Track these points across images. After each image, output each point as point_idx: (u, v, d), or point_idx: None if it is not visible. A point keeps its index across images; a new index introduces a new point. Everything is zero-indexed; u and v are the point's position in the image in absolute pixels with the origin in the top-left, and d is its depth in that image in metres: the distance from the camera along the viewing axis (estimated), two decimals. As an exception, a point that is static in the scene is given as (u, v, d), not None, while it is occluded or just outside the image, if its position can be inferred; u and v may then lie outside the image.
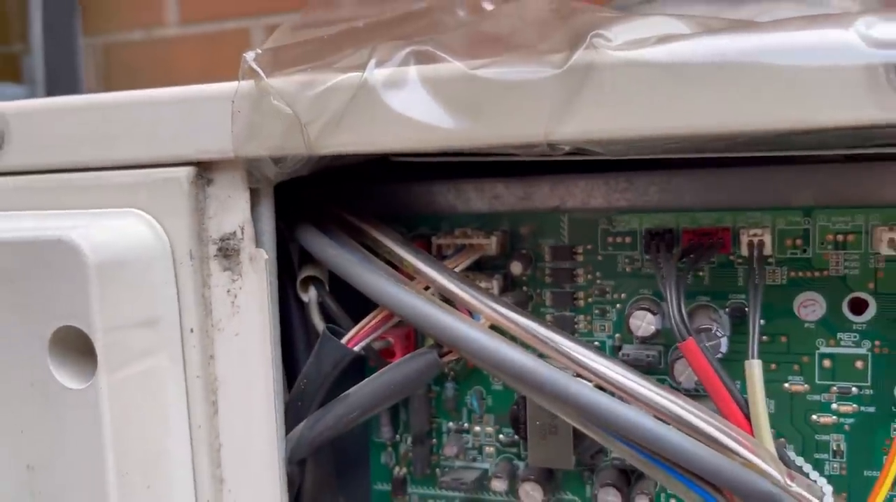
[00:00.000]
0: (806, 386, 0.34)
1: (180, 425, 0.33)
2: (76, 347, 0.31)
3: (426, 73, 0.29)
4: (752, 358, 0.30)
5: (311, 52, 0.31)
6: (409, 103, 0.29)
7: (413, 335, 0.39)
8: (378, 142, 0.30)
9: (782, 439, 0.35)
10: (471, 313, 0.34)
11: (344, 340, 0.35)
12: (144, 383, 0.32)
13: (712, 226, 0.35)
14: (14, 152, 0.35)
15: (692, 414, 0.30)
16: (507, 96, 0.28)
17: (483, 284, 0.37)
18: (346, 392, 0.34)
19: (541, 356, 0.32)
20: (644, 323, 0.35)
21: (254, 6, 1.07)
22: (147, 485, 0.32)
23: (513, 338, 0.32)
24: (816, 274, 0.34)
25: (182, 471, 0.34)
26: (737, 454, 0.29)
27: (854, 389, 0.34)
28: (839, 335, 0.34)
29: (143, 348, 0.32)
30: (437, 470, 0.41)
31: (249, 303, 0.33)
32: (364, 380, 0.34)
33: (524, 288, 0.38)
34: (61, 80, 1.23)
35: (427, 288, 0.35)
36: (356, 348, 0.35)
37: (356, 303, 0.36)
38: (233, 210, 0.33)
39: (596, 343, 0.38)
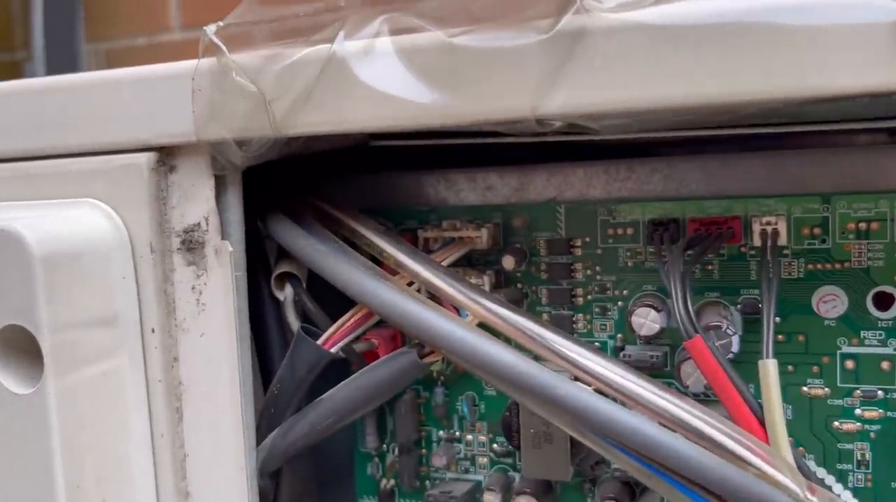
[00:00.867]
0: (826, 389, 0.31)
1: (141, 434, 0.31)
2: (23, 348, 0.28)
3: (401, 44, 0.26)
4: (767, 357, 0.28)
5: (277, 25, 0.28)
6: (382, 77, 0.26)
7: (400, 336, 0.36)
8: (349, 121, 0.27)
9: (801, 448, 0.32)
10: (458, 310, 0.31)
11: (320, 341, 0.32)
12: (100, 388, 0.29)
13: (721, 215, 0.32)
14: (-37, 140, 0.33)
15: (700, 420, 0.27)
16: (489, 66, 0.25)
17: (473, 280, 0.34)
18: (320, 397, 0.31)
19: (535, 357, 0.29)
20: (648, 321, 0.32)
21: (255, 8, 1.05)
22: (102, 499, 0.29)
23: (505, 338, 0.29)
24: (837, 266, 0.31)
25: (143, 484, 0.31)
26: (750, 464, 0.26)
27: (880, 393, 0.31)
28: (863, 333, 0.31)
29: (98, 349, 0.29)
30: (427, 481, 0.38)
31: (215, 300, 0.31)
32: (339, 385, 0.31)
33: (518, 284, 0.36)
34: (61, 86, 1.21)
35: (411, 283, 0.32)
36: (333, 349, 0.32)
37: (338, 302, 0.33)
38: (197, 199, 0.30)
39: (596, 344, 0.35)
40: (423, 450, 0.38)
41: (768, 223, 0.31)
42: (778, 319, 0.31)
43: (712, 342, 0.29)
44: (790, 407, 0.32)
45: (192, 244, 0.31)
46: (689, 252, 0.31)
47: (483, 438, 0.37)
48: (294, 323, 0.34)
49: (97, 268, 0.30)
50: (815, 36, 0.23)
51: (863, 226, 0.31)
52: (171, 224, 0.31)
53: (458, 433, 0.37)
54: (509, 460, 0.37)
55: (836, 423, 0.32)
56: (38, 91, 0.32)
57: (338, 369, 0.35)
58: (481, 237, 0.35)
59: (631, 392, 0.28)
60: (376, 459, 0.39)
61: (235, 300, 0.30)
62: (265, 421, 0.32)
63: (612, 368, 0.29)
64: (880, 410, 0.31)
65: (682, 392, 0.33)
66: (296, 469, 0.34)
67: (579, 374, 0.29)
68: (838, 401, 0.32)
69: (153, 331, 0.31)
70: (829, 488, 0.30)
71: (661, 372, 0.33)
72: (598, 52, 0.24)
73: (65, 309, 0.28)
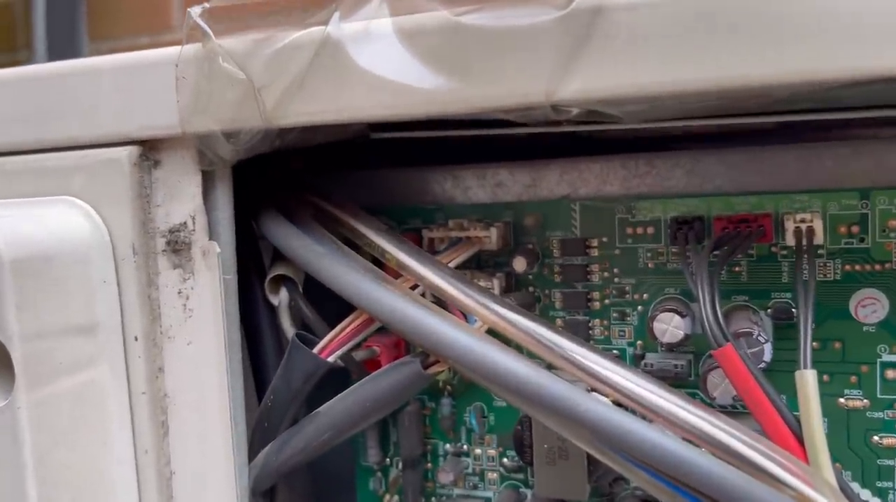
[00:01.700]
0: (865, 401, 0.29)
1: (124, 449, 0.29)
2: (-7, 358, 0.26)
3: (402, 24, 0.24)
4: (805, 367, 0.25)
5: (266, 6, 0.26)
6: (381, 61, 0.24)
7: (403, 343, 0.34)
8: (346, 109, 0.25)
9: (837, 464, 0.30)
10: (465, 316, 0.29)
11: (316, 349, 0.30)
12: (77, 401, 0.27)
13: (750, 212, 0.30)
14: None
15: (730, 436, 0.25)
16: (499, 48, 0.23)
17: (482, 283, 0.32)
18: (317, 410, 0.29)
19: (548, 366, 0.26)
20: (671, 327, 0.30)
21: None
22: (80, 522, 0.27)
23: (516, 346, 0.27)
24: (877, 267, 0.29)
25: (126, 504, 0.29)
26: (786, 485, 0.24)
27: (924, 405, 0.28)
28: (905, 340, 0.28)
29: (75, 359, 0.27)
30: (432, 498, 0.36)
31: (203, 305, 0.28)
32: (336, 397, 0.29)
33: (530, 287, 0.33)
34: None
35: (415, 287, 0.30)
36: (331, 358, 0.30)
37: (337, 307, 0.31)
38: (183, 196, 0.28)
39: (614, 351, 0.32)
40: (429, 465, 0.36)
41: (803, 221, 0.28)
42: (812, 325, 0.29)
43: (743, 351, 0.27)
44: (826, 420, 0.30)
45: (177, 245, 0.28)
46: (716, 252, 0.29)
47: (492, 452, 0.35)
48: (289, 330, 0.31)
49: (74, 271, 0.27)
50: (861, 12, 0.20)
51: (905, 223, 0.28)
52: (156, 223, 0.29)
53: (465, 446, 0.35)
54: (520, 476, 0.34)
55: (876, 438, 0.29)
56: (11, 81, 0.29)
57: (336, 379, 0.32)
58: (490, 237, 0.32)
59: (653, 404, 0.26)
60: (379, 474, 0.37)
61: (224, 305, 0.28)
62: (258, 436, 0.30)
63: (632, 378, 0.26)
64: (925, 424, 0.29)
65: (709, 404, 0.30)
66: (292, 485, 0.32)
67: (597, 385, 0.27)
68: (878, 414, 0.29)
69: (136, 339, 0.28)
70: (870, 509, 0.27)
71: (685, 382, 0.31)
72: (619, 31, 0.22)
73: (38, 316, 0.26)
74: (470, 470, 0.35)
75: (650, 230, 0.31)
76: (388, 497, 0.37)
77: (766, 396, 0.25)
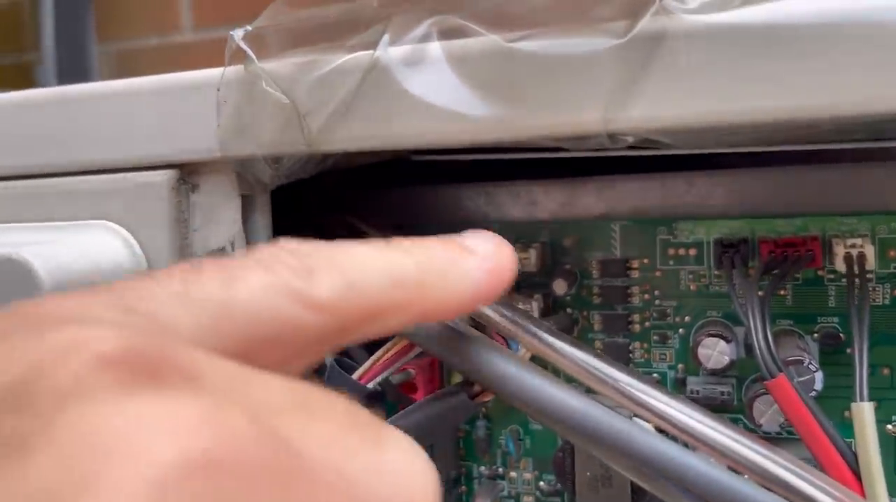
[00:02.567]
0: (915, 428, 0.28)
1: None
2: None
3: (452, 50, 0.24)
4: (862, 399, 0.25)
5: (311, 28, 0.25)
6: (431, 87, 0.24)
7: (437, 364, 0.34)
8: (394, 137, 0.25)
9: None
10: (507, 341, 0.28)
11: (356, 375, 0.29)
12: (116, 430, 0.27)
13: (796, 235, 0.29)
14: (-33, 156, 0.30)
15: (780, 466, 0.24)
16: (555, 76, 0.22)
17: (520, 306, 0.31)
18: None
19: (587, 390, 0.26)
20: (716, 352, 0.29)
21: (269, 9, 1.03)
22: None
23: (554, 369, 0.26)
24: (928, 292, 0.28)
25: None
26: (842, 519, 0.23)
27: (976, 433, 0.28)
28: (957, 367, 0.28)
29: (113, 388, 0.27)
30: (467, 522, 0.35)
31: (242, 331, 0.28)
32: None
33: (568, 309, 0.33)
34: (74, 89, 1.19)
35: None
36: (370, 385, 0.29)
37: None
38: (221, 221, 0.28)
39: (655, 375, 0.32)
40: (464, 488, 0.35)
41: (853, 245, 0.28)
42: (868, 354, 0.28)
43: (794, 380, 0.26)
44: (874, 447, 0.29)
45: (216, 270, 0.28)
46: (765, 277, 0.28)
47: (528, 476, 0.34)
48: (326, 355, 0.31)
49: (112, 297, 0.27)
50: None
51: (958, 248, 0.28)
52: (193, 248, 0.28)
53: (501, 469, 0.35)
54: (557, 499, 0.34)
55: (926, 466, 0.29)
56: (48, 102, 0.29)
57: (371, 401, 0.32)
58: (529, 258, 0.32)
59: (699, 433, 0.25)
60: (412, 496, 0.36)
61: (264, 332, 0.28)
62: (295, 462, 0.29)
63: (678, 407, 0.26)
64: (978, 453, 0.28)
65: (755, 431, 0.30)
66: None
67: (640, 412, 0.26)
68: (929, 442, 0.29)
69: (174, 365, 0.28)
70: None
71: (729, 407, 0.30)
72: (680, 59, 0.22)
73: (77, 344, 0.25)
74: (506, 494, 0.35)
75: (692, 251, 0.31)
76: (421, 519, 0.36)
77: (821, 428, 0.25)
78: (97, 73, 1.22)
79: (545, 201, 0.33)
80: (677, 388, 0.31)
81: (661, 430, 0.26)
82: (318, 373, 0.31)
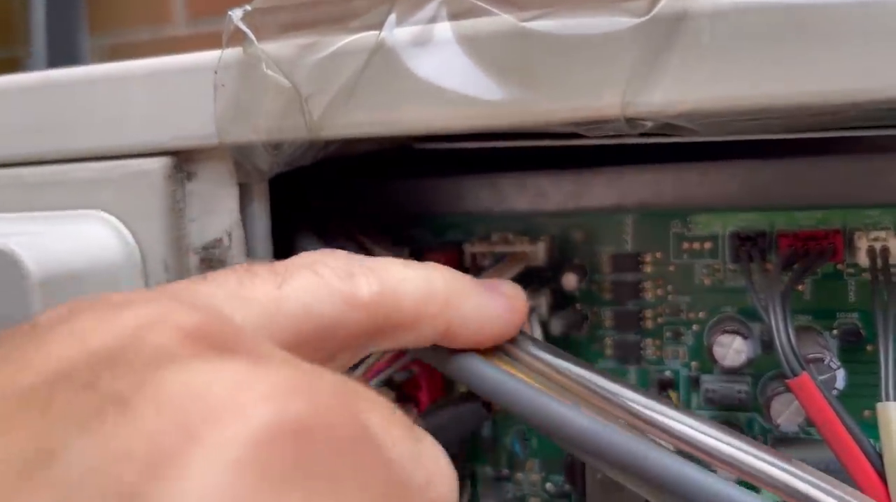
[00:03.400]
0: (938, 427, 0.27)
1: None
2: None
3: (463, 30, 0.22)
4: (888, 398, 0.23)
5: (314, 8, 0.24)
6: (440, 69, 0.22)
7: (442, 362, 0.32)
8: (400, 123, 0.23)
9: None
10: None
11: (358, 373, 0.28)
12: (107, 429, 0.25)
13: (817, 228, 0.28)
14: (-47, 143, 0.29)
15: (801, 480, 0.23)
16: (571, 57, 0.21)
17: (529, 301, 0.30)
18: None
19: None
20: (731, 350, 0.28)
21: (264, 0, 1.01)
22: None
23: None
24: (953, 287, 0.27)
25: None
26: (868, 525, 0.22)
27: None
28: (983, 365, 0.27)
29: (104, 385, 0.25)
30: (472, 524, 0.34)
31: (240, 327, 0.26)
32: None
33: (578, 305, 0.32)
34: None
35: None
36: (373, 382, 0.28)
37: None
38: (218, 211, 0.27)
39: (667, 372, 0.31)
40: (469, 490, 0.34)
41: (876, 239, 0.27)
42: (893, 354, 0.27)
43: (816, 379, 0.25)
44: (896, 448, 0.28)
45: (212, 262, 0.27)
46: (785, 272, 0.27)
47: (535, 477, 0.33)
48: (327, 350, 0.30)
49: (104, 290, 0.25)
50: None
51: (985, 241, 0.27)
52: (189, 239, 0.27)
53: (506, 471, 0.33)
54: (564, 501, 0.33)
55: (949, 466, 0.28)
56: (37, 87, 0.28)
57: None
58: (537, 252, 0.31)
59: (714, 449, 0.24)
60: (414, 497, 0.35)
61: (263, 327, 0.26)
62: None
63: (690, 422, 0.24)
64: None
65: (771, 431, 0.29)
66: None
67: (656, 434, 0.25)
68: (952, 443, 0.28)
69: (168, 362, 0.27)
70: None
71: (746, 406, 0.29)
72: (704, 39, 0.20)
73: (66, 339, 0.24)
74: (511, 496, 0.33)
75: (707, 245, 0.30)
76: (424, 522, 0.35)
77: (846, 429, 0.24)
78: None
79: (553, 192, 0.32)
80: (691, 386, 0.30)
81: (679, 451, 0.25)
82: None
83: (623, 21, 0.21)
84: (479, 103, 0.22)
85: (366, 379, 0.28)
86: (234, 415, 0.12)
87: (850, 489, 0.23)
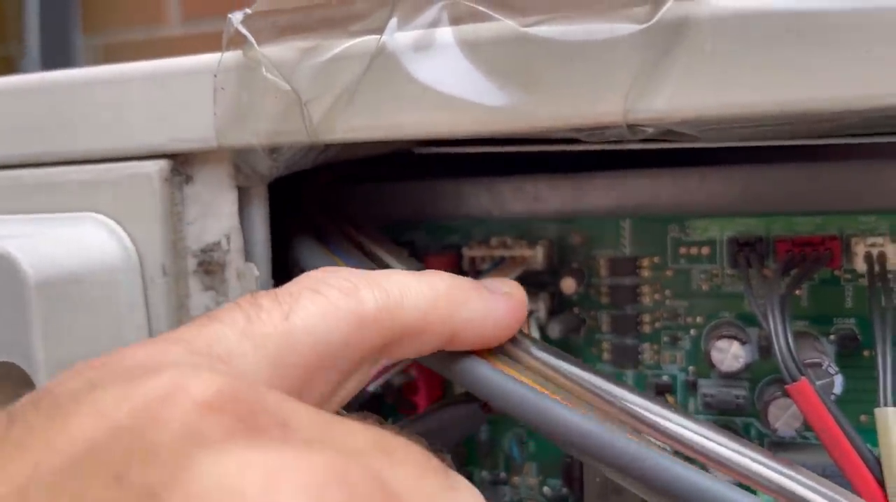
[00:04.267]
0: (934, 433, 0.27)
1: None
2: (15, 388, 0.24)
3: (464, 35, 0.22)
4: (886, 404, 0.24)
5: (314, 12, 0.24)
6: (441, 74, 0.22)
7: (439, 366, 0.32)
8: (401, 127, 0.23)
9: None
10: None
11: (356, 377, 0.28)
12: (104, 433, 0.25)
13: (814, 234, 0.28)
14: (-51, 144, 0.29)
15: (804, 487, 0.23)
16: (572, 63, 0.21)
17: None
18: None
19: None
20: (729, 355, 0.28)
21: (259, 1, 1.01)
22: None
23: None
24: (949, 293, 0.27)
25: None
26: (866, 530, 0.22)
27: None
28: (979, 370, 0.27)
29: (102, 389, 0.25)
30: (468, 528, 0.34)
31: (238, 330, 0.26)
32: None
33: (576, 309, 0.32)
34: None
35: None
36: (371, 387, 0.28)
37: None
38: (216, 214, 0.26)
39: (665, 376, 0.31)
40: (465, 493, 0.34)
41: (873, 245, 0.27)
42: (890, 359, 0.27)
43: (815, 384, 0.25)
44: None
45: (210, 266, 0.27)
46: (784, 277, 0.27)
47: (532, 481, 0.33)
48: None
49: (101, 294, 0.25)
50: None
51: (981, 247, 0.27)
52: (187, 243, 0.27)
53: (503, 474, 0.33)
54: (562, 505, 0.33)
55: (946, 472, 0.28)
56: (34, 89, 0.27)
57: (370, 404, 0.31)
58: (536, 256, 0.31)
59: (712, 452, 0.24)
60: None
61: (261, 331, 0.26)
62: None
63: (687, 424, 0.24)
64: None
65: (768, 435, 0.29)
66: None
67: (652, 433, 0.25)
68: (948, 447, 0.28)
69: (166, 365, 0.26)
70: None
71: (744, 411, 0.29)
72: (705, 47, 0.20)
73: (63, 342, 0.24)
74: (508, 500, 0.33)
75: (705, 250, 0.30)
76: (420, 525, 0.35)
77: (845, 434, 0.24)
78: (82, 67, 1.20)
79: (551, 197, 0.32)
80: (688, 391, 0.30)
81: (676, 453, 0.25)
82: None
83: (625, 28, 0.21)
84: (480, 109, 0.22)
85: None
86: None
87: (847, 493, 0.23)
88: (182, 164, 0.26)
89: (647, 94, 0.21)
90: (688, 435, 0.24)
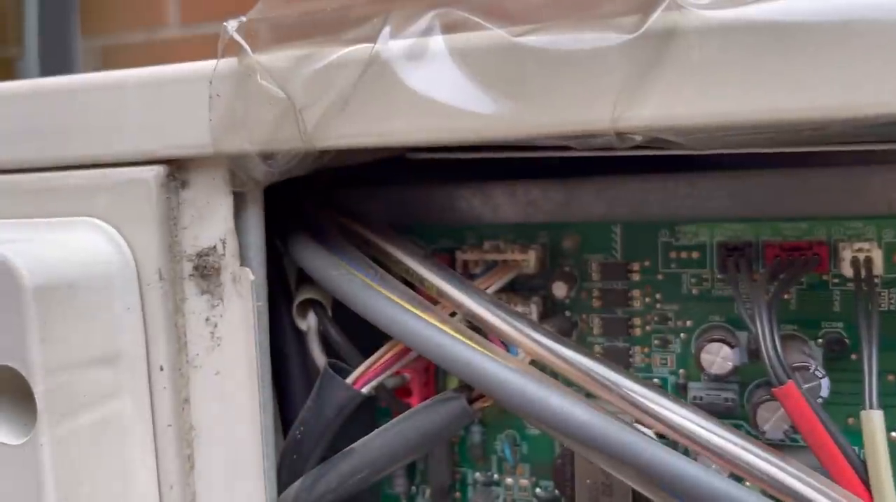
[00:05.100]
0: (921, 435, 0.28)
1: (148, 486, 0.27)
2: (13, 392, 0.25)
3: (456, 44, 0.23)
4: (871, 407, 0.24)
5: (309, 20, 0.25)
6: (433, 82, 0.23)
7: (433, 369, 0.33)
8: (394, 134, 0.24)
9: None
10: (506, 345, 0.28)
11: (350, 380, 0.28)
12: (101, 435, 0.26)
13: (802, 239, 0.29)
14: (-52, 149, 0.29)
15: (792, 477, 0.24)
16: (562, 72, 0.22)
17: (519, 308, 0.31)
18: (352, 446, 0.27)
19: (587, 395, 0.25)
20: (719, 358, 0.28)
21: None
22: (103, 564, 0.26)
23: (552, 374, 0.26)
24: (935, 298, 0.27)
25: (149, 543, 0.27)
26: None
27: (984, 441, 0.27)
28: (965, 374, 0.27)
29: (98, 392, 0.26)
30: (462, 529, 0.35)
31: (232, 334, 0.27)
32: (374, 432, 0.27)
33: (567, 313, 0.32)
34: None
35: (453, 313, 0.29)
36: (365, 389, 0.28)
37: (366, 331, 0.29)
38: (212, 219, 0.27)
39: (655, 379, 0.31)
40: (458, 494, 0.34)
41: (860, 250, 0.27)
42: (876, 361, 0.28)
43: (801, 387, 0.25)
44: (879, 455, 0.28)
45: (206, 270, 0.27)
46: (772, 282, 0.28)
47: (525, 482, 0.33)
48: (319, 357, 0.30)
49: (98, 298, 0.26)
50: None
51: (967, 253, 0.27)
52: (183, 247, 0.27)
53: (496, 476, 0.34)
54: (554, 507, 0.33)
55: (932, 474, 0.28)
56: (31, 94, 0.28)
57: (363, 406, 0.31)
58: (529, 260, 0.31)
59: (704, 439, 0.25)
60: (405, 503, 0.35)
61: (256, 334, 0.27)
62: (286, 470, 0.29)
63: (680, 411, 0.25)
64: None
65: (757, 438, 0.29)
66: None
67: (642, 417, 0.25)
68: (934, 449, 0.28)
69: (161, 369, 0.27)
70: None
71: (733, 413, 0.30)
72: (693, 56, 0.21)
73: (61, 347, 0.24)
74: (501, 501, 0.34)
75: (695, 255, 0.30)
76: (414, 526, 0.35)
77: (831, 436, 0.24)
78: (80, 69, 1.20)
79: (543, 201, 0.33)
80: (678, 394, 0.31)
81: (663, 437, 0.25)
82: (314, 377, 0.30)
83: (613, 37, 0.21)
84: (471, 116, 0.22)
85: (359, 385, 0.28)
86: None
87: (830, 483, 0.23)
88: (178, 170, 0.27)
89: (635, 103, 0.21)
90: (679, 420, 0.25)
